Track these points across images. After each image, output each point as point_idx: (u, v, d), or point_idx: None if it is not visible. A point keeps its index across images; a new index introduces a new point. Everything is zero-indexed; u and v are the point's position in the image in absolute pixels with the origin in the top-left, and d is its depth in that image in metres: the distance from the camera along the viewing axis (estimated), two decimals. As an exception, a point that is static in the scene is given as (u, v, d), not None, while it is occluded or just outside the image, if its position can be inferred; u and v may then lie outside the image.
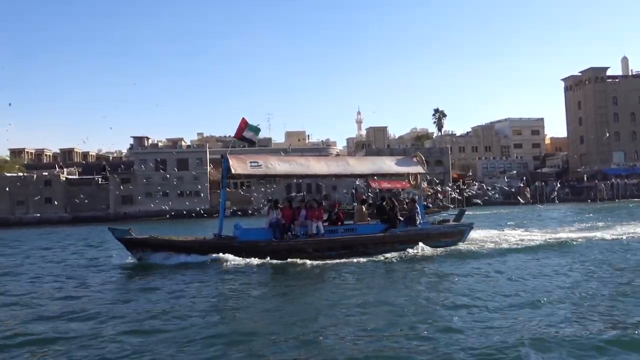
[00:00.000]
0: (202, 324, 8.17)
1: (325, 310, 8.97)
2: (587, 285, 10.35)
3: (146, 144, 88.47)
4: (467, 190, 63.31)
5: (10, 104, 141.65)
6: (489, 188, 64.24)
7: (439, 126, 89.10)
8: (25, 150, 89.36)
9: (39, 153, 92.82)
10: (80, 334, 7.72)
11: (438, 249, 16.09)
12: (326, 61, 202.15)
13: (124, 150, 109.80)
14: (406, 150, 79.50)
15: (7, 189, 65.80)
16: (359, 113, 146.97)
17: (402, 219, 17.18)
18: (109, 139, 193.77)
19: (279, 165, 16.21)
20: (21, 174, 69.74)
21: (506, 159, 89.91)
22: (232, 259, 14.38)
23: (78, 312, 9.29)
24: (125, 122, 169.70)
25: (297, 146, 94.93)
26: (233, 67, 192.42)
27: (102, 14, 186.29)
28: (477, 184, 67.85)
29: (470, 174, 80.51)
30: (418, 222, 17.12)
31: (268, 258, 14.57)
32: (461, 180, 75.46)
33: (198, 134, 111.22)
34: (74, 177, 73.55)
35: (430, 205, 45.02)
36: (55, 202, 67.50)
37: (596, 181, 75.88)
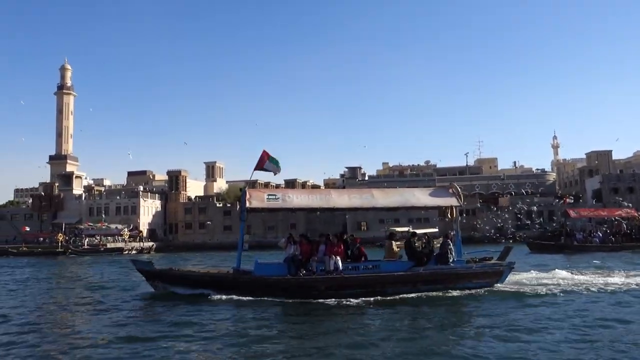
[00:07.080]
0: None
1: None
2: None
3: (359, 174, 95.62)
4: None
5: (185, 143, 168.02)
6: None
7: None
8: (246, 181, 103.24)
9: (252, 183, 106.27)
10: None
11: (468, 291, 14.70)
12: (517, 82, 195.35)
13: (316, 181, 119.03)
14: (635, 177, 72.88)
15: (262, 216, 76.07)
16: (555, 137, 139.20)
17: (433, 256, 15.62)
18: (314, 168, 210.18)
19: (296, 199, 16.10)
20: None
21: None
22: (222, 296, 14.23)
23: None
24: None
25: (510, 174, 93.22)
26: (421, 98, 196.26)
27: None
28: None
29: None
30: (451, 261, 15.49)
31: (278, 295, 14.03)
32: None
33: (383, 163, 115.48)
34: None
35: None
36: (298, 227, 75.99)
37: None
